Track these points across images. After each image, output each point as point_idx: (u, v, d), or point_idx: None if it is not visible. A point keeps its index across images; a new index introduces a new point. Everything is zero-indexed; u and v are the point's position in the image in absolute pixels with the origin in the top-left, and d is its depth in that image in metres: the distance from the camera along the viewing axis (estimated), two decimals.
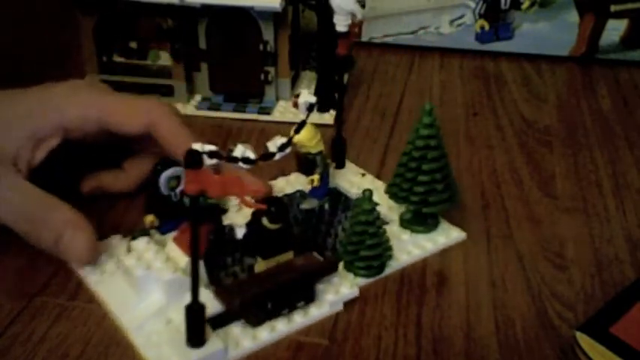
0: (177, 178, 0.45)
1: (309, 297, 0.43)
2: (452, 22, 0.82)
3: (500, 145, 0.64)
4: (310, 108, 0.48)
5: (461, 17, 0.82)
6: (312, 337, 0.42)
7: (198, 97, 0.68)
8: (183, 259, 0.43)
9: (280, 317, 0.42)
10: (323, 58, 0.68)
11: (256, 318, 0.42)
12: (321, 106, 0.67)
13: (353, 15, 0.51)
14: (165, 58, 0.68)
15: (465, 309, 0.45)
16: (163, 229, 0.46)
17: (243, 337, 0.41)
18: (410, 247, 0.49)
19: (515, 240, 0.51)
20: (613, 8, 0.80)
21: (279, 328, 0.42)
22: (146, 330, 0.41)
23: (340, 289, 0.44)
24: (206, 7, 0.64)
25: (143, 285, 0.42)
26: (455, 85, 0.76)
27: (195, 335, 0.39)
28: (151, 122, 0.49)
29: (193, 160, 0.36)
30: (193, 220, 0.37)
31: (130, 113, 0.49)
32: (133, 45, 0.70)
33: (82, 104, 0.49)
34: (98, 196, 0.52)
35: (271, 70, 0.66)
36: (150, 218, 0.46)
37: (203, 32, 0.65)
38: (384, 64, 0.80)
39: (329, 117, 0.66)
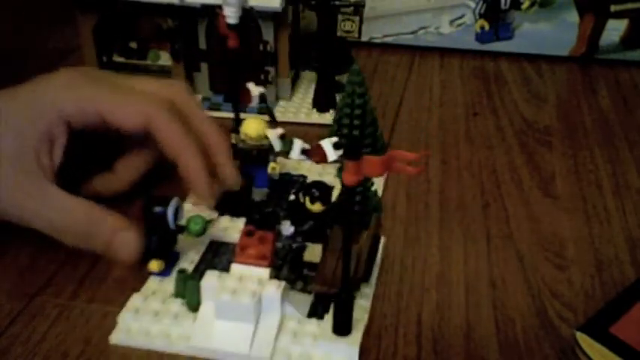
0: (178, 208, 0.45)
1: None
2: (452, 22, 0.82)
3: (500, 145, 0.64)
4: (262, 98, 0.51)
5: (461, 17, 0.82)
6: None
7: (198, 97, 0.68)
8: (260, 272, 0.41)
9: None
10: (323, 58, 0.68)
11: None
12: (321, 106, 0.67)
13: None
14: (165, 58, 0.68)
15: (464, 309, 0.45)
16: (166, 273, 0.45)
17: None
18: None
19: (515, 240, 0.51)
20: (613, 8, 0.80)
21: None
22: (283, 348, 0.41)
23: None
24: (206, 7, 0.64)
25: (253, 311, 0.40)
26: (455, 85, 0.76)
27: (346, 323, 0.40)
28: (147, 121, 0.48)
29: (355, 150, 0.35)
30: (348, 210, 0.38)
31: (127, 111, 0.48)
32: (133, 45, 0.70)
33: (79, 99, 0.48)
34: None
35: (271, 70, 0.66)
36: (156, 264, 0.44)
37: (203, 32, 0.65)
38: (384, 64, 0.80)
39: (329, 117, 0.66)
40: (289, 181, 0.55)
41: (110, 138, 0.50)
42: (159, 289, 0.45)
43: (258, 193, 0.52)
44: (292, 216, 0.45)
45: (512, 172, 0.60)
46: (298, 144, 0.46)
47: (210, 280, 0.41)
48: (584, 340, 0.41)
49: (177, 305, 0.43)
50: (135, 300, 0.43)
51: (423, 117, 0.69)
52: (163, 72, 0.68)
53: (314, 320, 0.42)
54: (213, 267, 0.45)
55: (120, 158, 0.52)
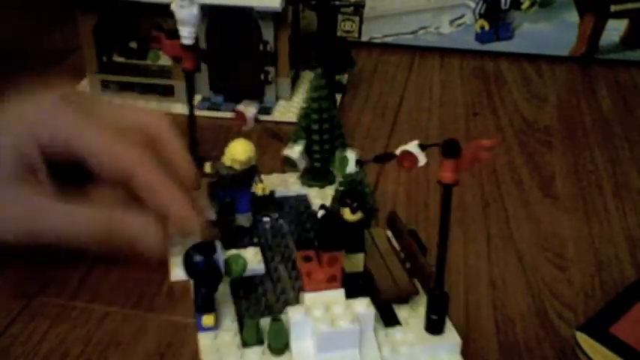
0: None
1: None
2: (452, 22, 0.82)
3: (500, 145, 0.64)
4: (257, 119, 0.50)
5: (461, 17, 0.82)
6: None
7: (198, 97, 0.68)
8: (335, 294, 0.39)
9: None
10: (323, 58, 0.68)
11: None
12: None
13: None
14: (165, 58, 0.68)
15: (464, 309, 0.45)
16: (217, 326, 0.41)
17: None
18: None
19: (515, 240, 0.51)
20: (613, 8, 0.80)
21: None
22: None
23: None
24: (206, 8, 0.64)
25: (358, 335, 0.38)
26: (455, 85, 0.76)
27: (442, 321, 0.39)
28: (128, 169, 0.46)
29: (453, 149, 0.37)
30: (447, 213, 0.38)
31: (107, 158, 0.46)
32: (133, 45, 0.70)
33: (57, 129, 0.46)
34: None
35: (271, 70, 0.66)
36: (211, 319, 0.40)
37: (203, 32, 0.65)
38: (384, 64, 0.80)
39: None
40: (271, 199, 0.51)
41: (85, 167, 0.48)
42: (219, 344, 0.39)
43: (243, 219, 0.49)
44: (324, 231, 0.43)
45: (512, 172, 0.60)
46: (353, 157, 0.45)
47: (297, 316, 0.38)
48: (584, 340, 0.41)
49: (256, 355, 0.39)
50: None
51: (423, 117, 0.69)
52: (163, 72, 0.68)
53: (394, 329, 0.41)
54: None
55: (96, 187, 0.49)
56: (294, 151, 0.51)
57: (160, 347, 0.41)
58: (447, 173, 0.37)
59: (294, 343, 0.38)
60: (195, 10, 0.48)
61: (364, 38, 0.84)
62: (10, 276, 0.46)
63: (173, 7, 0.49)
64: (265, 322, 0.40)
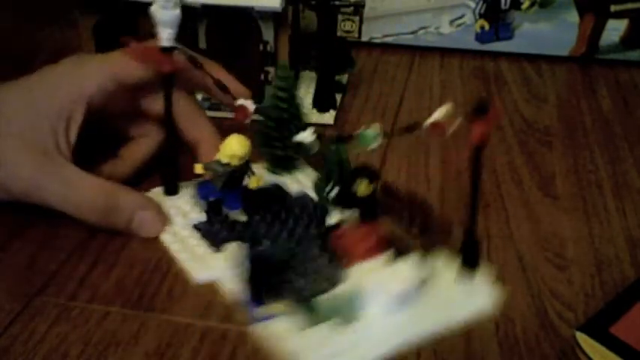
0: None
1: None
2: (452, 22, 0.82)
3: (500, 145, 0.64)
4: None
5: (461, 17, 0.82)
6: None
7: (198, 97, 0.68)
8: (382, 258, 0.43)
9: None
10: (323, 58, 0.68)
11: None
12: (321, 106, 0.67)
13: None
14: None
15: None
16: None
17: None
18: None
19: (515, 240, 0.51)
20: (613, 8, 0.80)
21: None
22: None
23: None
24: (206, 8, 0.64)
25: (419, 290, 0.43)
26: (455, 85, 0.76)
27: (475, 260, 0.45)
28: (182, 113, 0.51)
29: (486, 107, 0.42)
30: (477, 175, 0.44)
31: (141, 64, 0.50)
32: None
33: (94, 70, 0.50)
34: None
35: (271, 70, 0.66)
36: (280, 305, 0.41)
37: (203, 32, 0.65)
38: (384, 64, 0.80)
39: (329, 117, 0.66)
40: (264, 191, 0.52)
41: (115, 125, 0.52)
42: (281, 331, 0.40)
43: (235, 215, 0.49)
44: (366, 204, 0.45)
45: (512, 172, 0.60)
46: (377, 130, 0.46)
47: (369, 284, 0.42)
48: (584, 340, 0.41)
49: (328, 331, 0.40)
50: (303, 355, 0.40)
51: (423, 117, 0.69)
52: None
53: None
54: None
55: (124, 145, 0.54)
56: (307, 135, 0.49)
57: (160, 347, 0.41)
58: (478, 134, 0.43)
59: (367, 311, 0.41)
60: (178, 12, 0.48)
61: (364, 38, 0.84)
62: (10, 276, 0.46)
63: (154, 8, 0.48)
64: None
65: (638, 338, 0.40)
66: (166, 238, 0.49)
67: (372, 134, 0.45)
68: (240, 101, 0.50)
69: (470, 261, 0.45)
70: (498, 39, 0.82)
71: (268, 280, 0.42)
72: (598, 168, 0.61)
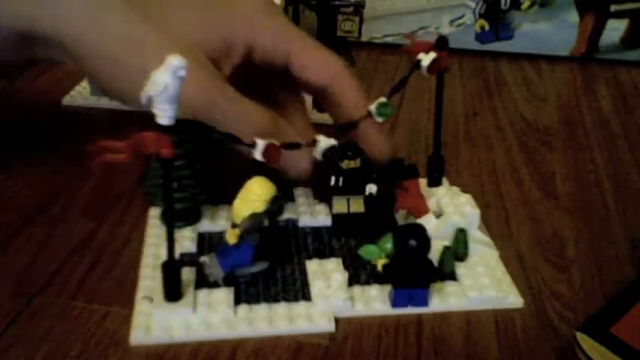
0: None
1: None
2: (452, 22, 0.82)
3: (500, 145, 0.64)
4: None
5: (461, 17, 0.82)
6: (311, 337, 0.42)
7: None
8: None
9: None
10: None
11: None
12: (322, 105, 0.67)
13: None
14: None
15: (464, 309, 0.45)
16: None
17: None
18: None
19: (515, 240, 0.51)
20: (613, 8, 0.80)
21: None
22: None
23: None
24: None
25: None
26: (455, 85, 0.76)
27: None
28: (332, 79, 0.48)
29: (445, 42, 0.48)
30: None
31: (317, 61, 0.48)
32: None
33: (274, 29, 0.46)
34: None
35: None
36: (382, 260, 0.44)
37: None
38: (384, 64, 0.80)
39: (328, 117, 0.66)
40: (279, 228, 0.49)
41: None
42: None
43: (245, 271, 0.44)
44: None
45: (512, 172, 0.60)
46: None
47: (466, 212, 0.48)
48: (584, 340, 0.41)
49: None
50: None
51: (423, 117, 0.69)
52: None
53: None
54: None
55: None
56: (323, 138, 0.47)
57: (161, 347, 0.41)
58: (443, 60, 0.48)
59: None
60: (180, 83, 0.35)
61: (364, 38, 0.84)
62: (10, 276, 0.46)
63: (161, 76, 0.35)
64: None
65: (638, 338, 0.40)
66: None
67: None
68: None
69: (435, 171, 0.51)
70: (498, 39, 0.82)
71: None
72: (598, 168, 0.61)
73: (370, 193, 0.47)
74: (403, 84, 0.49)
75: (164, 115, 0.36)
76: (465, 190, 0.52)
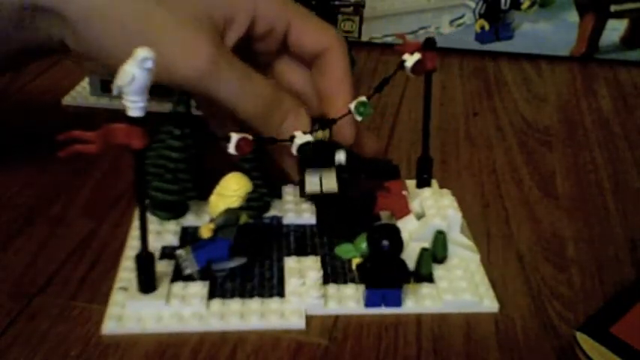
0: None
1: None
2: (452, 22, 0.82)
3: (500, 145, 0.64)
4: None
5: (461, 17, 0.82)
6: (311, 337, 0.42)
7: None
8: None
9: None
10: None
11: None
12: None
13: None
14: None
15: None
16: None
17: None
18: None
19: (515, 240, 0.51)
20: (613, 8, 0.80)
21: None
22: None
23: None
24: None
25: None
26: (455, 85, 0.76)
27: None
28: (325, 50, 0.49)
29: (432, 43, 0.48)
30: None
31: (316, 27, 0.49)
32: None
33: (276, 1, 0.48)
34: None
35: None
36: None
37: None
38: (384, 64, 0.80)
39: None
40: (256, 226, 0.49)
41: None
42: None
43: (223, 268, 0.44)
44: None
45: (512, 172, 0.60)
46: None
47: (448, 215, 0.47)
48: (584, 340, 0.41)
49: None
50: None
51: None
52: None
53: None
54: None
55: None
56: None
57: (160, 347, 0.41)
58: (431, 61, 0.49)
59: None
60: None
61: (364, 38, 0.84)
62: (10, 276, 0.46)
63: (130, 67, 0.35)
64: None
65: (638, 338, 0.40)
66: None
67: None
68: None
69: (424, 172, 0.51)
70: (498, 39, 0.82)
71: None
72: (598, 168, 0.61)
73: (340, 164, 0.47)
74: (385, 84, 0.49)
75: (134, 107, 0.36)
76: (465, 191, 0.52)
